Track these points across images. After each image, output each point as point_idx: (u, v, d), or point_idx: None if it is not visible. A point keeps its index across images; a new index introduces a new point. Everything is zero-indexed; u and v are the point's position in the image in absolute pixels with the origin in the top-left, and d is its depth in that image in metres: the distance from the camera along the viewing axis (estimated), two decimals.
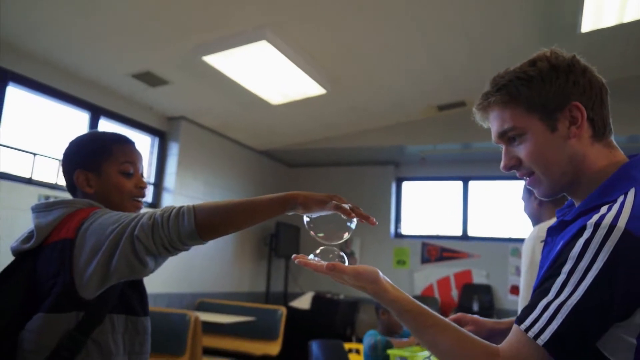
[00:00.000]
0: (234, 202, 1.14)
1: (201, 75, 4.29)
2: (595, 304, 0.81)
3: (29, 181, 3.86)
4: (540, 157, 0.99)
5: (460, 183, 6.45)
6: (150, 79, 4.34)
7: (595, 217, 0.86)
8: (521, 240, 5.83)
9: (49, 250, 1.18)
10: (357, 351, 4.58)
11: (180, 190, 5.16)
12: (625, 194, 0.89)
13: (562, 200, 2.30)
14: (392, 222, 6.53)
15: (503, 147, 1.05)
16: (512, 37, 4.18)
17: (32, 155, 3.93)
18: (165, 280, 4.86)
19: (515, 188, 6.16)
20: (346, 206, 1.12)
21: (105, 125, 4.63)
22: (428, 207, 6.67)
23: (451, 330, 0.95)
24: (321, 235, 1.12)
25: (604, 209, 0.87)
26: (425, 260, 6.25)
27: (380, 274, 1.01)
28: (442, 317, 0.99)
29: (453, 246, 6.19)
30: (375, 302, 3.34)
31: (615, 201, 0.88)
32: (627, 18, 3.74)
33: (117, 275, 1.13)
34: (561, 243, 0.89)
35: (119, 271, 1.12)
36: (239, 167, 6.12)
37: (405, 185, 6.80)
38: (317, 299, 5.88)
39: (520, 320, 0.88)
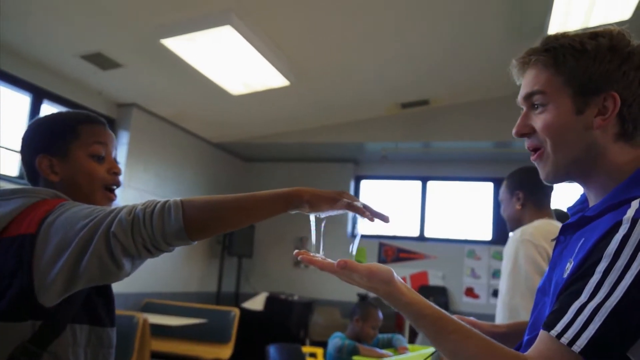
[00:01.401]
0: (229, 198, 1.00)
1: (158, 59, 4.01)
2: (636, 305, 0.74)
3: None
4: (555, 133, 0.92)
5: (419, 183, 6.43)
6: (101, 60, 4.01)
7: (631, 212, 0.79)
8: (477, 242, 5.93)
9: (5, 245, 0.99)
10: (314, 355, 4.43)
11: (130, 182, 4.83)
12: None
13: (546, 203, 2.22)
14: (349, 221, 6.42)
15: (523, 110, 0.97)
16: (480, 37, 4.16)
17: None
18: None
19: (473, 189, 6.22)
20: (358, 204, 1.01)
21: (49, 110, 4.26)
22: (386, 207, 6.60)
23: (476, 337, 0.86)
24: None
25: (635, 203, 0.80)
26: (381, 260, 6.18)
27: (395, 274, 0.92)
28: (462, 322, 0.89)
29: (410, 247, 6.15)
30: (353, 307, 3.24)
31: None
32: (593, 22, 3.80)
33: (86, 279, 0.95)
34: (589, 241, 0.82)
35: (88, 274, 0.94)
36: (192, 159, 5.85)
37: (364, 183, 6.72)
38: (271, 300, 5.69)
39: (549, 325, 0.79)
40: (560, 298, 0.81)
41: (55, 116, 1.23)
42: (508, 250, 2.20)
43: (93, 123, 1.21)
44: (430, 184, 6.38)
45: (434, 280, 5.96)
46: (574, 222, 0.93)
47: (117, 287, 4.34)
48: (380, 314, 3.15)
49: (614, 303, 0.74)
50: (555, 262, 0.95)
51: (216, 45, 3.75)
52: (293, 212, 1.03)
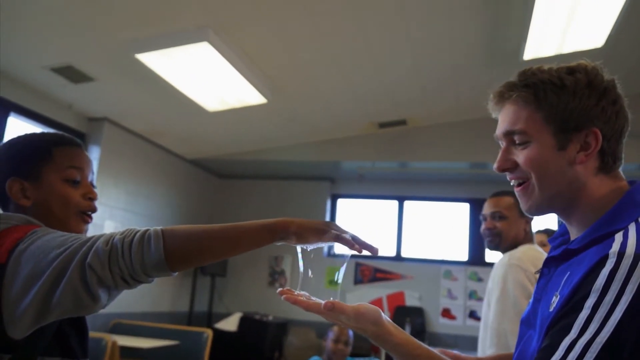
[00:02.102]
0: (213, 228, 0.95)
1: (131, 73, 3.92)
2: (627, 339, 0.73)
3: None
4: (539, 168, 0.92)
5: (395, 202, 6.42)
6: (71, 73, 3.89)
7: (616, 246, 0.79)
8: (453, 263, 5.92)
9: None
10: None
11: (100, 199, 4.62)
12: (636, 221, 0.84)
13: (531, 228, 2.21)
14: None
15: (503, 146, 0.98)
16: (457, 59, 4.20)
17: None
18: None
19: (450, 210, 6.23)
20: (347, 236, 0.96)
21: (16, 123, 4.11)
22: (363, 226, 6.57)
23: None
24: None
25: (619, 236, 0.82)
26: (358, 280, 6.13)
27: (382, 314, 0.93)
28: None
29: (386, 267, 6.11)
30: (327, 329, 3.17)
31: (627, 228, 0.83)
32: (566, 49, 3.86)
33: (59, 311, 0.90)
34: (576, 275, 0.81)
35: (61, 306, 0.90)
36: (165, 175, 5.72)
37: (341, 202, 6.68)
38: (245, 320, 5.57)
39: None
40: (549, 334, 0.80)
41: (28, 137, 1.18)
42: (495, 274, 2.17)
43: (68, 145, 1.17)
44: (407, 203, 6.38)
45: (411, 300, 5.92)
46: (557, 255, 0.93)
47: None
48: (351, 332, 3.10)
49: (605, 339, 0.73)
50: (540, 294, 0.94)
51: (192, 61, 3.69)
52: (279, 243, 1.00)
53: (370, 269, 6.12)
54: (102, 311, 3.92)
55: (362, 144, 5.60)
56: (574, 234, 0.95)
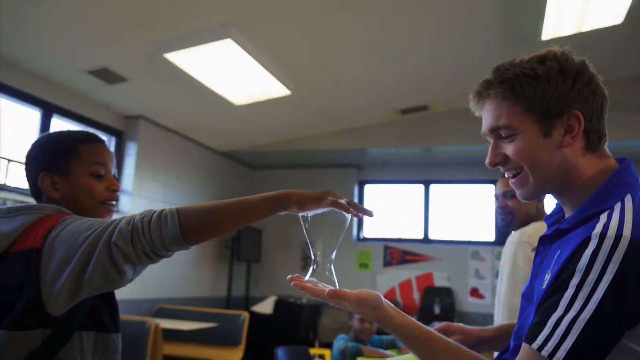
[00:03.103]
0: (221, 203, 1.07)
1: (162, 72, 4.14)
2: (609, 316, 0.78)
3: None
4: (529, 157, 0.96)
5: (422, 186, 6.51)
6: (107, 75, 4.15)
7: (599, 227, 0.84)
8: (481, 244, 5.98)
9: (12, 260, 1.06)
10: (322, 356, 4.53)
11: (139, 192, 4.97)
12: (622, 201, 0.88)
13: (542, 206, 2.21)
14: (354, 225, 6.52)
15: (491, 142, 1.01)
16: (475, 43, 4.24)
17: None
18: None
19: (475, 192, 6.28)
20: (343, 201, 1.08)
21: (59, 124, 4.41)
22: (390, 210, 6.69)
23: (463, 354, 0.92)
24: (317, 234, 1.10)
25: (604, 217, 0.86)
26: (387, 263, 6.27)
27: (382, 298, 0.98)
28: (450, 340, 0.96)
29: (415, 249, 6.23)
30: None
31: (612, 208, 0.87)
32: (586, 27, 3.86)
33: (91, 288, 1.03)
34: (563, 254, 0.87)
35: (93, 283, 1.02)
36: (199, 168, 5.97)
37: (368, 188, 6.81)
38: (280, 303, 5.80)
39: (530, 338, 0.83)
40: (539, 311, 0.85)
41: (57, 135, 1.28)
42: (507, 251, 2.25)
43: (93, 142, 1.27)
44: (433, 187, 6.46)
45: (439, 281, 6.03)
46: (550, 234, 0.99)
47: (130, 294, 4.54)
48: None
49: (588, 315, 0.78)
50: (536, 271, 1.00)
51: (217, 58, 3.86)
52: (282, 212, 1.10)
53: (398, 251, 6.25)
54: (147, 297, 4.24)
55: (386, 131, 5.71)
56: (568, 212, 1.00)
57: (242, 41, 3.68)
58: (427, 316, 5.55)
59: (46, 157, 1.23)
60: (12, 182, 3.90)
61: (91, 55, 3.90)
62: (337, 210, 1.08)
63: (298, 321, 5.64)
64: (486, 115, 1.01)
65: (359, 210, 1.10)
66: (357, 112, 5.48)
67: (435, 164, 6.31)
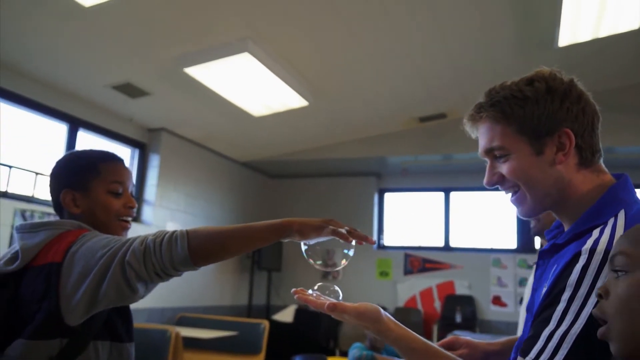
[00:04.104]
0: (229, 229, 1.12)
1: (182, 86, 4.25)
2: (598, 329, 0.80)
3: (4, 195, 3.76)
4: (523, 175, 0.98)
5: (442, 194, 6.49)
6: (130, 90, 4.28)
7: (589, 243, 0.85)
8: (502, 251, 5.93)
9: (34, 273, 1.13)
10: None
11: (161, 202, 5.09)
12: (616, 216, 0.89)
13: None
14: (374, 233, 6.53)
15: (488, 162, 1.04)
16: (492, 50, 4.24)
17: (8, 168, 3.83)
18: None
19: (496, 199, 6.23)
20: (343, 230, 1.11)
21: (85, 137, 4.56)
22: (410, 218, 6.69)
23: None
24: (319, 263, 1.14)
25: (596, 233, 0.87)
26: (408, 271, 6.25)
27: (382, 311, 0.99)
28: (449, 353, 0.97)
29: (435, 257, 6.21)
30: None
31: (605, 224, 0.89)
32: (602, 33, 3.83)
33: (106, 302, 1.09)
34: (556, 269, 0.89)
35: (107, 297, 1.08)
36: (220, 178, 6.08)
37: (388, 196, 6.82)
38: (300, 312, 5.83)
39: (524, 352, 0.85)
40: (534, 325, 0.87)
41: (79, 154, 1.35)
42: None
43: (112, 161, 1.33)
44: (453, 194, 6.44)
45: (461, 289, 5.98)
46: (547, 248, 1.00)
47: (154, 303, 4.65)
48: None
49: (579, 330, 0.80)
50: (537, 284, 1.01)
51: (236, 71, 3.96)
52: (285, 240, 1.14)
53: (419, 259, 6.23)
54: (169, 305, 4.34)
55: (405, 139, 5.72)
56: (566, 228, 1.01)
57: (259, 54, 3.76)
58: (448, 325, 5.52)
59: (69, 174, 1.29)
60: (40, 195, 4.04)
61: (115, 71, 4.04)
62: (337, 238, 1.11)
63: (318, 330, 5.67)
64: (481, 137, 1.04)
65: (360, 239, 1.13)
66: (375, 120, 5.51)
67: (454, 171, 6.29)
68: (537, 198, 0.99)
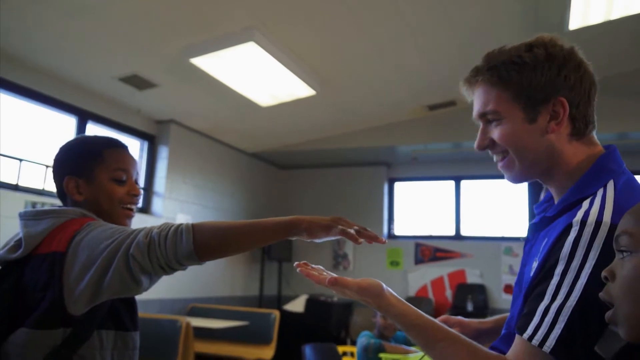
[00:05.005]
0: (236, 225, 1.10)
1: (189, 77, 4.25)
2: (594, 302, 0.77)
3: (15, 187, 3.80)
4: (513, 141, 0.98)
5: (452, 182, 6.44)
6: (138, 82, 4.29)
7: (580, 214, 0.84)
8: (513, 239, 5.88)
9: (37, 261, 1.12)
10: (352, 354, 4.55)
11: (171, 194, 5.11)
12: (605, 187, 0.89)
13: None
14: (384, 223, 6.50)
15: (481, 125, 1.04)
16: (501, 36, 4.17)
17: (18, 161, 3.87)
18: (155, 285, 4.76)
19: (507, 187, 6.17)
20: (352, 231, 1.09)
21: (93, 130, 4.58)
22: (421, 208, 6.65)
23: (461, 343, 0.91)
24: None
25: (586, 204, 0.86)
26: (418, 260, 6.23)
27: (384, 286, 0.98)
28: (450, 329, 0.96)
29: (446, 246, 6.17)
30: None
31: (594, 195, 0.88)
32: (614, 15, 3.75)
33: (109, 293, 1.08)
34: (547, 242, 0.87)
35: (111, 289, 1.07)
36: (229, 169, 6.08)
37: (398, 185, 6.78)
38: (311, 302, 5.84)
39: (521, 329, 0.84)
40: (528, 301, 0.86)
41: (82, 140, 1.31)
42: None
43: (117, 147, 1.30)
44: (464, 182, 6.38)
45: (472, 278, 5.95)
46: (537, 222, 1.00)
47: (165, 294, 4.69)
48: None
49: (574, 302, 0.79)
50: (526, 259, 1.00)
51: (242, 61, 3.94)
52: (293, 238, 1.11)
53: (430, 248, 6.21)
54: (180, 296, 4.38)
55: (414, 128, 5.68)
56: (555, 199, 1.00)
57: (265, 44, 3.74)
58: (459, 314, 5.44)
59: (72, 161, 1.26)
60: (50, 187, 4.08)
61: (122, 63, 4.04)
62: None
63: (329, 319, 5.68)
64: (476, 100, 1.03)
65: (370, 238, 1.11)
66: (383, 109, 5.47)
67: (465, 160, 6.23)
68: (525, 165, 0.98)
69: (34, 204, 3.78)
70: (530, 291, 0.87)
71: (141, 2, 3.29)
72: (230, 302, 5.74)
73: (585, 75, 0.97)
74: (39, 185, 4.00)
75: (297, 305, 5.84)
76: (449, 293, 6.01)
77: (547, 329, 0.80)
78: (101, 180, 1.25)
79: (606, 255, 0.78)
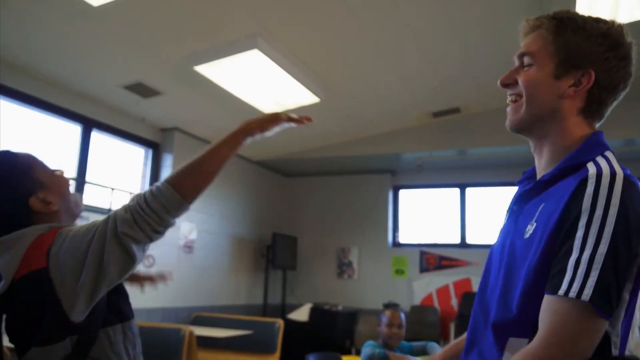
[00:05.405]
0: (201, 158, 1.18)
1: (193, 85, 4.25)
2: (624, 248, 0.82)
3: None
4: (533, 88, 1.02)
5: (457, 190, 6.40)
6: (142, 89, 4.29)
7: (592, 169, 0.88)
8: None
9: (21, 285, 1.11)
10: None
11: None
12: (603, 154, 0.95)
13: None
14: (389, 231, 6.47)
15: (515, 65, 1.07)
16: (505, 41, 4.14)
17: None
18: (159, 294, 4.75)
19: (512, 194, 6.12)
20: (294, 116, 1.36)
21: (98, 138, 4.58)
22: (426, 215, 6.61)
23: None
24: None
25: (590, 165, 0.91)
26: (424, 269, 6.18)
27: None
28: None
29: (451, 254, 6.12)
30: (379, 316, 3.31)
31: (594, 160, 0.93)
32: (620, 20, 3.73)
33: (107, 284, 1.09)
34: (557, 202, 0.89)
35: (109, 278, 1.08)
36: (234, 177, 6.07)
37: (403, 193, 6.75)
38: (315, 311, 5.80)
39: (554, 287, 0.84)
40: (556, 261, 0.86)
41: (7, 159, 1.24)
42: None
43: (32, 156, 1.29)
44: (469, 190, 6.34)
45: (478, 286, 5.88)
46: (530, 188, 1.02)
47: (168, 303, 4.65)
48: (402, 315, 3.19)
49: (605, 250, 0.81)
50: (509, 229, 1.04)
51: (246, 68, 3.93)
52: (249, 140, 1.29)
53: (435, 257, 6.16)
54: (184, 305, 4.35)
55: (418, 135, 5.65)
56: (542, 167, 1.04)
57: (269, 51, 3.74)
58: (466, 322, 5.41)
59: (21, 181, 1.21)
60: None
61: (126, 71, 4.05)
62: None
63: (334, 328, 5.63)
64: (524, 42, 1.07)
65: (303, 118, 1.38)
66: (388, 116, 5.46)
67: (470, 167, 6.20)
68: (529, 113, 1.02)
69: None
70: (556, 253, 0.86)
71: (144, 9, 3.29)
72: (234, 311, 5.71)
73: (625, 67, 1.00)
74: None
75: (301, 314, 5.80)
76: (454, 302, 5.94)
77: (581, 280, 0.81)
78: (50, 181, 1.25)
79: (626, 201, 0.84)
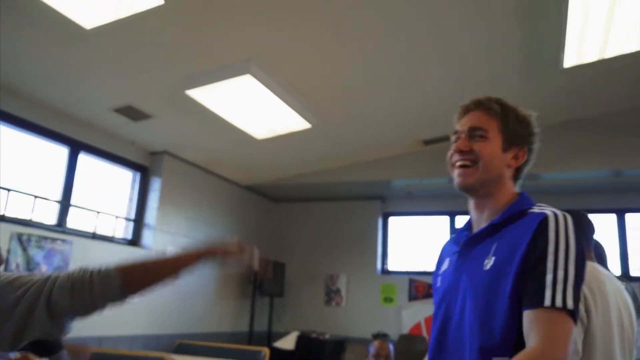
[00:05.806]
0: (158, 259, 1.23)
1: (184, 109, 4.23)
2: (582, 269, 1.08)
3: (1, 218, 3.71)
4: (488, 156, 1.28)
5: (447, 218, 6.39)
6: (132, 112, 4.26)
7: (548, 211, 1.16)
8: None
9: None
10: None
11: (162, 226, 5.01)
12: (536, 204, 1.24)
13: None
14: (378, 258, 6.41)
15: (463, 136, 1.32)
16: (496, 72, 4.20)
17: (6, 192, 3.78)
18: (141, 320, 4.65)
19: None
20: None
21: (86, 160, 4.52)
22: (415, 243, 6.57)
23: None
24: None
25: (536, 208, 1.21)
26: (412, 297, 6.12)
27: None
28: None
29: None
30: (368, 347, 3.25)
31: (539, 206, 1.22)
32: (608, 54, 3.79)
33: (29, 339, 1.04)
34: (518, 237, 1.14)
35: (31, 336, 1.04)
36: (223, 202, 6.01)
37: (392, 220, 6.72)
38: (302, 339, 5.69)
39: (538, 302, 1.02)
40: (528, 284, 1.06)
41: None
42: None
43: None
44: (459, 218, 6.33)
45: None
46: (483, 230, 1.26)
47: (149, 329, 4.53)
48: (391, 346, 3.15)
49: (573, 269, 1.05)
50: (461, 267, 1.26)
51: (238, 93, 3.92)
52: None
53: (424, 284, 6.10)
54: (167, 332, 4.25)
55: (409, 162, 5.66)
56: (485, 219, 1.30)
57: (261, 76, 3.74)
58: None
59: None
60: (37, 218, 3.98)
61: (116, 94, 4.02)
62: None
63: (321, 357, 5.52)
64: (471, 117, 1.34)
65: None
66: (378, 143, 5.46)
67: (460, 195, 6.14)
68: (483, 177, 1.28)
69: (20, 235, 3.68)
70: (529, 275, 1.07)
71: (137, 33, 3.28)
72: (219, 339, 5.57)
73: (535, 146, 1.35)
74: (26, 216, 3.90)
75: (287, 342, 5.69)
76: None
77: (562, 293, 1.02)
78: None
79: (577, 234, 1.11)
